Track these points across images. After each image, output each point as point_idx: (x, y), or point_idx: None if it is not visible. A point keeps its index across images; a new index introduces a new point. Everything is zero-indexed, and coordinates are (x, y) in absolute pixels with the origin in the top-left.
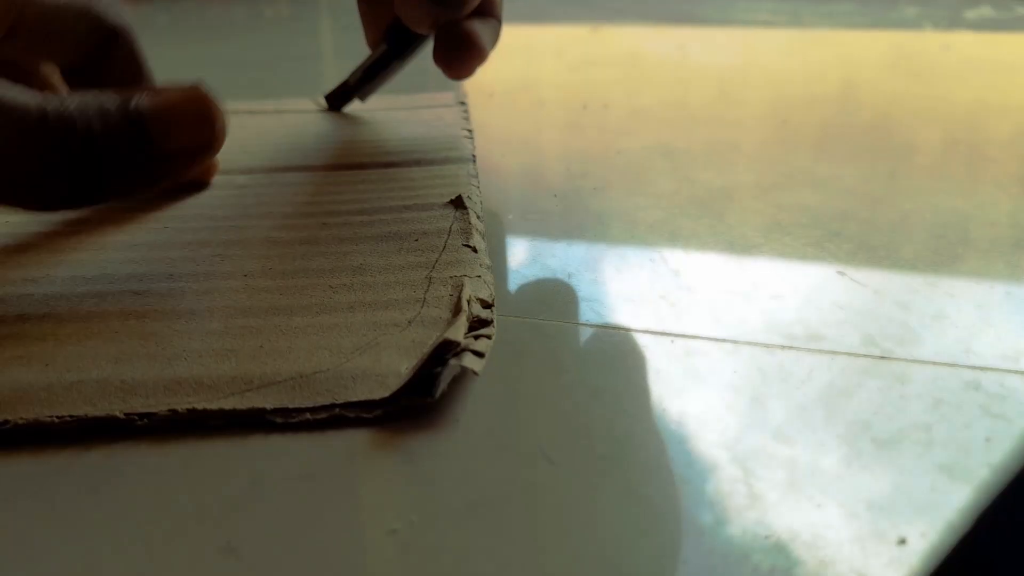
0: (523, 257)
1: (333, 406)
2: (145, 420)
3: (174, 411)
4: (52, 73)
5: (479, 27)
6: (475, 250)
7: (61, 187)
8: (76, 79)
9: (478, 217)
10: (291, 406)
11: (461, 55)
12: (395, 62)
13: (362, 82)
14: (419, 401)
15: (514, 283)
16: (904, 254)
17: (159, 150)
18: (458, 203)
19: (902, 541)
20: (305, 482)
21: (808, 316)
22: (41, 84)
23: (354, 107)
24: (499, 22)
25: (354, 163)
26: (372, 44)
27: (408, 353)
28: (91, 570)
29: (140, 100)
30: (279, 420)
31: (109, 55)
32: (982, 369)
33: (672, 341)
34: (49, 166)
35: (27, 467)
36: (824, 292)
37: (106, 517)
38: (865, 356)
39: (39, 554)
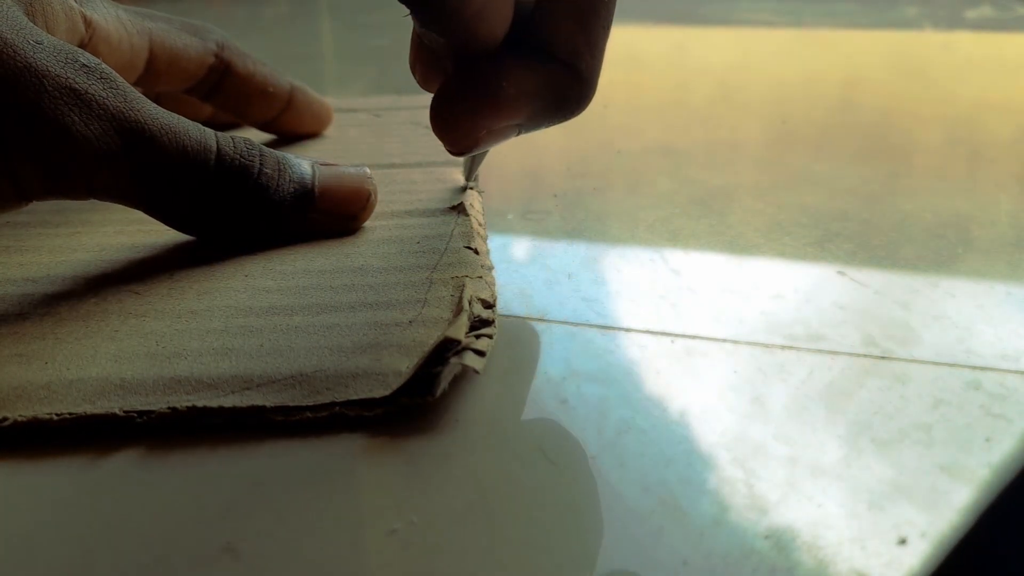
0: (523, 257)
1: (333, 404)
2: (144, 418)
3: (174, 409)
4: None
5: (514, 71)
6: (477, 252)
7: (225, 220)
8: (199, 97)
9: (479, 222)
10: (291, 404)
11: (450, 107)
12: None
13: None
14: (419, 400)
15: (514, 283)
16: (904, 254)
17: (317, 206)
18: (460, 209)
19: (902, 541)
20: (305, 482)
21: (808, 316)
22: (179, 102)
23: (357, 107)
24: (573, 71)
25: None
26: None
27: (409, 352)
28: (91, 570)
29: (316, 165)
30: (279, 418)
31: (224, 81)
32: (982, 369)
33: (672, 341)
34: (218, 203)
35: (27, 467)
36: (824, 292)
37: (106, 517)
38: (865, 356)
39: (39, 554)
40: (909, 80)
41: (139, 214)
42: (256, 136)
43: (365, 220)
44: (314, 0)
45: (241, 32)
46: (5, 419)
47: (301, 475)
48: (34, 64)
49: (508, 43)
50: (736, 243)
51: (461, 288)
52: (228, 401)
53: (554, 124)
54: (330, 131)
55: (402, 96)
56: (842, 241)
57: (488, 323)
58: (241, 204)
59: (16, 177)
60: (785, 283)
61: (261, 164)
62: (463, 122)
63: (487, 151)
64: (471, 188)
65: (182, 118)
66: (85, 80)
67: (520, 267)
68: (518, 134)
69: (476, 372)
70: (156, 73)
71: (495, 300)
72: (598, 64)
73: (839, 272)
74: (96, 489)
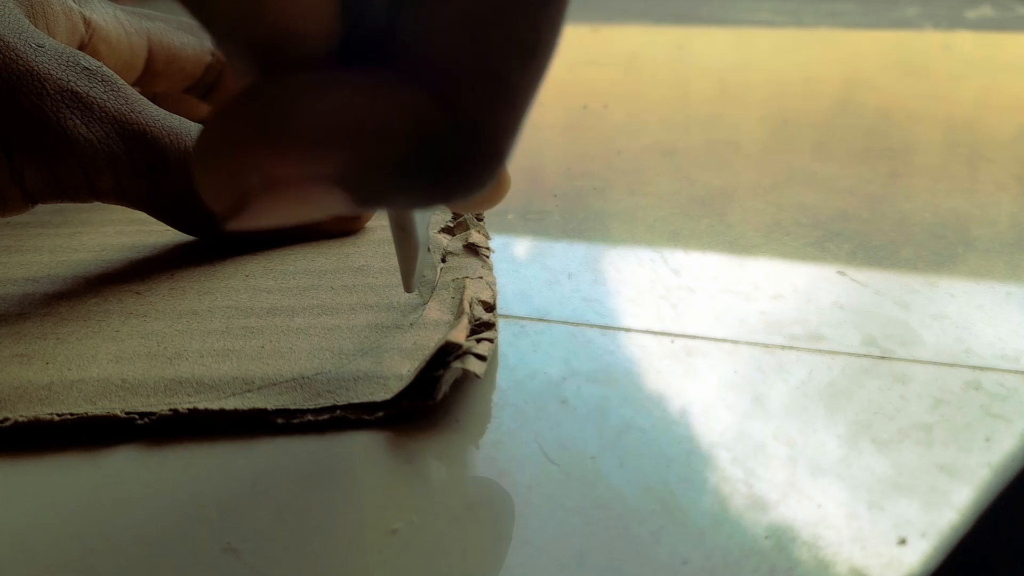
0: (523, 257)
1: (334, 407)
2: (146, 419)
3: (175, 411)
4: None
5: (334, 87)
6: (477, 252)
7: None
8: (197, 96)
9: (479, 219)
10: (292, 407)
11: (214, 134)
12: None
13: None
14: (420, 404)
15: (514, 283)
16: (904, 254)
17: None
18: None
19: (902, 541)
20: (306, 483)
21: (808, 316)
22: (177, 102)
23: None
24: (453, 111)
25: None
26: None
27: (410, 355)
28: (91, 570)
29: None
30: (280, 421)
31: (222, 80)
32: (982, 369)
33: (672, 341)
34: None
35: (28, 467)
36: (824, 292)
37: (107, 517)
38: (865, 356)
39: (39, 553)
40: (909, 80)
41: (140, 214)
42: None
43: (367, 221)
44: None
45: None
46: (6, 419)
47: (301, 475)
48: (35, 68)
49: (364, 56)
50: (736, 243)
51: (462, 290)
52: (229, 403)
53: (441, 200)
54: None
55: None
56: (842, 241)
57: (489, 326)
58: None
59: (21, 180)
60: (785, 283)
61: None
62: (225, 157)
63: (421, 243)
64: (424, 302)
65: (184, 119)
66: (87, 83)
67: (520, 267)
68: (364, 208)
69: (477, 377)
70: (154, 73)
71: (495, 301)
72: (505, 108)
73: (839, 272)
74: (96, 489)
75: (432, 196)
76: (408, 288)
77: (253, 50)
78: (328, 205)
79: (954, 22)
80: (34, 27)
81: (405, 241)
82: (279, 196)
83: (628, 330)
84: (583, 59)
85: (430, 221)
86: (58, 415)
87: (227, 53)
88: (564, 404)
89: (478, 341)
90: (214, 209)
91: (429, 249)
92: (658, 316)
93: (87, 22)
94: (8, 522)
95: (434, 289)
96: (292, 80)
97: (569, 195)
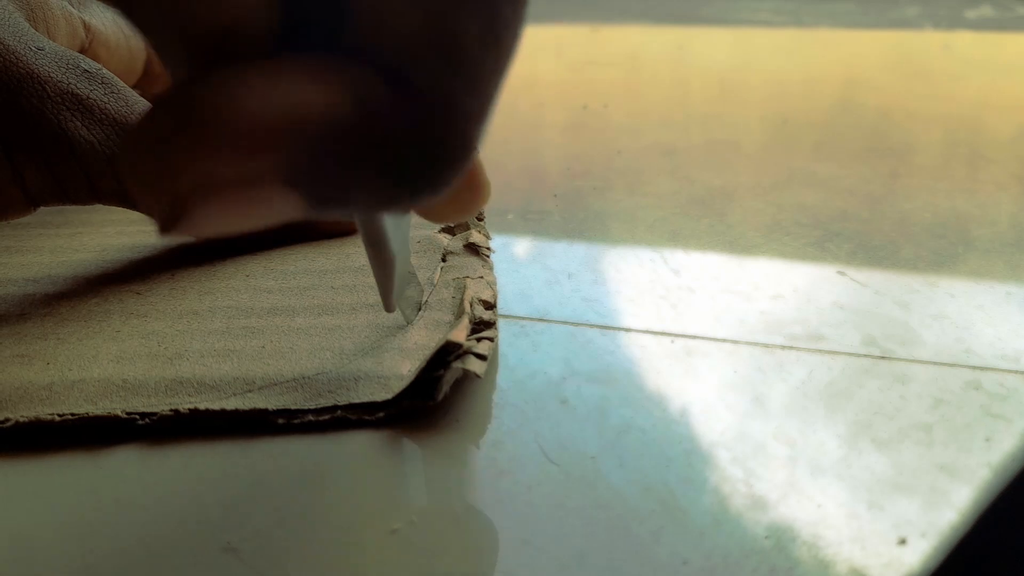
0: (523, 257)
1: (335, 408)
2: (146, 420)
3: (176, 411)
4: None
5: (273, 72)
6: (477, 252)
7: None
8: None
9: (479, 219)
10: (293, 407)
11: (144, 135)
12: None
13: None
14: (421, 404)
15: (514, 283)
16: (904, 254)
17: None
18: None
19: (902, 541)
20: (306, 483)
21: (808, 316)
22: None
23: None
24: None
25: None
26: None
27: (410, 355)
28: (91, 570)
29: None
30: (281, 421)
31: None
32: (982, 369)
33: (672, 341)
34: None
35: (27, 467)
36: (824, 292)
37: (107, 517)
38: (865, 356)
39: (39, 553)
40: (909, 80)
41: (140, 215)
42: None
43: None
44: None
45: None
46: (7, 420)
47: (301, 475)
48: (36, 71)
49: (309, 45)
50: (736, 243)
51: (462, 290)
52: (230, 404)
53: (406, 199)
54: None
55: None
56: (842, 241)
57: (490, 325)
58: None
59: (23, 182)
60: (785, 283)
61: None
62: (153, 159)
63: (399, 260)
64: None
65: None
66: (87, 86)
67: (520, 267)
68: (320, 212)
69: (478, 377)
70: (153, 75)
71: (496, 300)
72: (469, 93)
73: (839, 272)
74: (96, 489)
75: (394, 195)
76: (388, 307)
77: (184, 43)
78: (279, 209)
79: (954, 22)
80: (35, 31)
81: (378, 258)
82: (219, 200)
83: (628, 330)
84: (583, 59)
85: (408, 236)
86: (59, 415)
87: (158, 49)
88: (564, 404)
89: (478, 340)
90: (152, 217)
91: (411, 271)
92: (658, 316)
93: (86, 27)
94: (8, 522)
95: (420, 309)
96: (224, 71)
97: (569, 195)
